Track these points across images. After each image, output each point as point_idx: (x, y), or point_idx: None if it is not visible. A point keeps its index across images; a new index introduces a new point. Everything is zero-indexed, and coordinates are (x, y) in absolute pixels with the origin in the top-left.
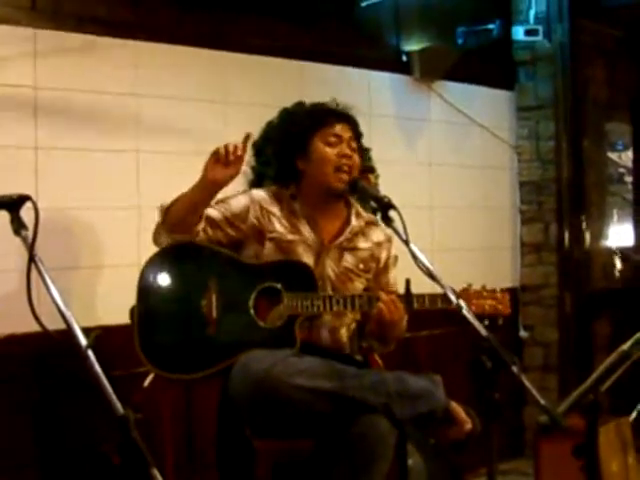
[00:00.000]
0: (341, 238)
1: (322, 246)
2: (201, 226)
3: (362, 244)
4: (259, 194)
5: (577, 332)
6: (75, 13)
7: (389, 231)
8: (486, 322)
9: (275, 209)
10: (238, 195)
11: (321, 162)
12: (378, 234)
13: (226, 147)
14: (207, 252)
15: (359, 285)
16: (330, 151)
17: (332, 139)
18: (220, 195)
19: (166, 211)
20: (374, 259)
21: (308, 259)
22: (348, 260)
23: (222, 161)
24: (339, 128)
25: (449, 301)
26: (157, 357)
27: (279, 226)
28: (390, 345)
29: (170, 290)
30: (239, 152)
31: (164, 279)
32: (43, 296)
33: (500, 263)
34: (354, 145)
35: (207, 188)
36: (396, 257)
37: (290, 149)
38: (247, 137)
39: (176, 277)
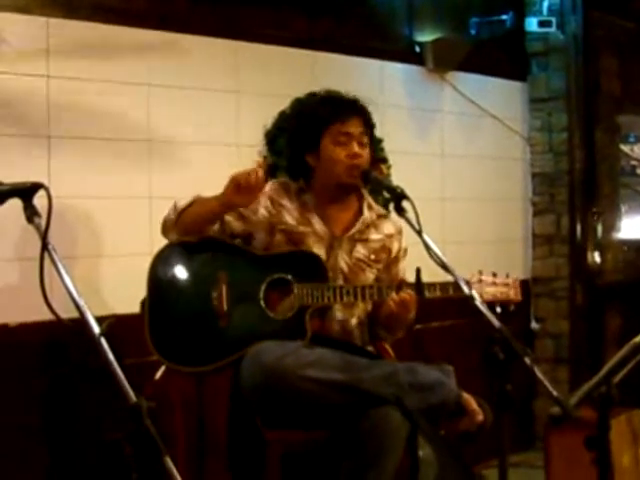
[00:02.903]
0: (353, 230)
1: (333, 238)
2: (215, 227)
3: (373, 236)
4: (269, 186)
5: (588, 324)
6: (88, 2)
7: (399, 224)
8: (498, 309)
9: (285, 201)
10: None
11: (331, 162)
12: (389, 226)
13: (246, 178)
14: (217, 244)
15: (370, 275)
16: (340, 151)
17: (342, 138)
18: None
19: (180, 213)
20: (385, 250)
21: (319, 251)
22: (360, 251)
23: (241, 190)
24: (349, 124)
25: (460, 289)
26: (168, 350)
27: (290, 218)
28: (399, 334)
29: (180, 283)
30: (259, 184)
31: (174, 272)
32: (55, 284)
33: (512, 255)
34: (365, 140)
35: (225, 207)
36: (406, 249)
37: (301, 145)
38: (263, 163)
39: (186, 269)
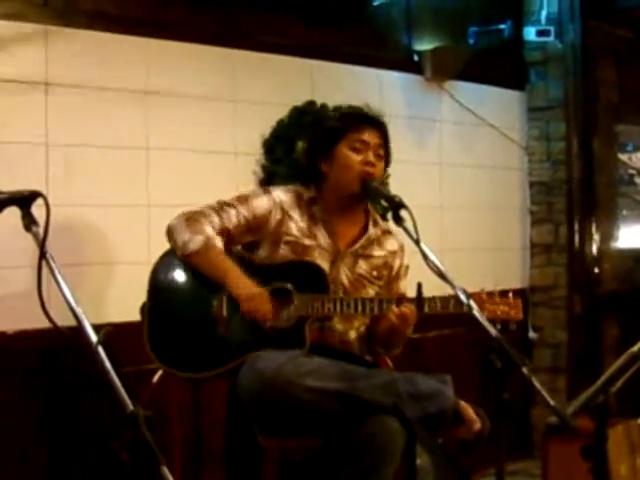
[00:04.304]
0: (357, 245)
1: (337, 252)
2: (221, 240)
3: (377, 252)
4: (280, 196)
5: (586, 333)
6: (86, 10)
7: (403, 240)
8: (498, 327)
9: (295, 213)
10: (259, 196)
11: (344, 168)
12: (392, 243)
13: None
14: None
15: (371, 292)
16: (354, 157)
17: (358, 145)
18: (232, 191)
19: (189, 256)
20: (387, 267)
21: (323, 264)
22: (362, 267)
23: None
24: (367, 134)
25: (460, 305)
26: (166, 355)
27: (296, 230)
28: (396, 350)
29: (181, 288)
30: None
31: (176, 277)
32: (53, 292)
33: (510, 264)
34: (381, 152)
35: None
36: (407, 267)
37: (315, 151)
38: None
39: (188, 275)
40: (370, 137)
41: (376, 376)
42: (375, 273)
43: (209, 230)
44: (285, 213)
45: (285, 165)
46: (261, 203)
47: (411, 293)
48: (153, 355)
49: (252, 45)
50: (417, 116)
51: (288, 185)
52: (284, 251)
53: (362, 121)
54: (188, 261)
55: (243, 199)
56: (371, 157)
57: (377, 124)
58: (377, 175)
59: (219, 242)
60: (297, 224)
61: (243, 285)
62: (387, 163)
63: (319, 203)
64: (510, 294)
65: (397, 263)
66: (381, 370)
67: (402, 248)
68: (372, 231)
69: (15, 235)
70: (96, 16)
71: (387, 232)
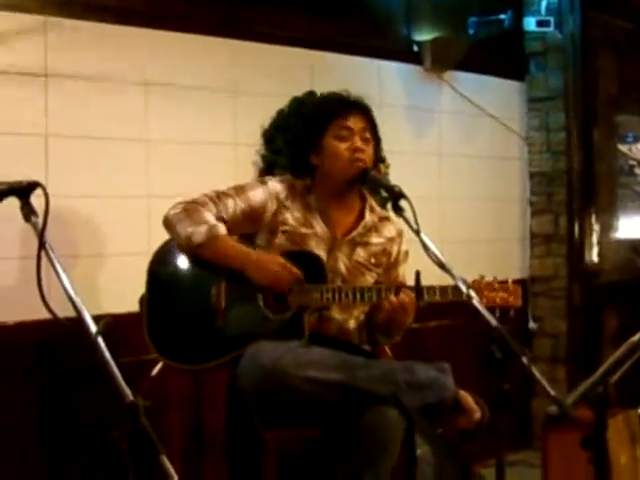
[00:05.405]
0: (354, 233)
1: (334, 240)
2: (223, 230)
3: (374, 239)
4: (275, 187)
5: (586, 324)
6: (86, 1)
7: (401, 226)
8: (497, 314)
9: (290, 202)
10: (255, 186)
11: (334, 158)
12: (390, 229)
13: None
14: None
15: (370, 279)
16: (342, 146)
17: (343, 132)
18: (232, 182)
19: (194, 249)
20: (385, 254)
21: (320, 253)
22: (360, 254)
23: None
24: (350, 120)
25: (459, 293)
26: (166, 346)
27: (292, 219)
28: (397, 338)
29: (180, 279)
30: None
31: (174, 267)
32: (53, 283)
33: (509, 254)
34: (367, 135)
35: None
36: (406, 252)
37: (303, 145)
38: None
39: (186, 266)
40: (354, 122)
41: (375, 366)
42: (373, 260)
43: (210, 218)
44: (281, 203)
45: (285, 155)
46: (257, 193)
47: (410, 280)
48: (153, 347)
49: (252, 36)
50: (416, 106)
51: (284, 175)
52: (281, 240)
53: (343, 108)
54: (194, 254)
55: (240, 189)
56: (358, 142)
57: (359, 108)
58: (367, 159)
59: (222, 229)
60: (293, 214)
61: (260, 268)
62: (377, 146)
63: (313, 192)
64: (509, 281)
65: (395, 249)
66: (380, 360)
67: (400, 234)
68: (368, 218)
69: (13, 225)
70: (94, 7)
71: (385, 218)
